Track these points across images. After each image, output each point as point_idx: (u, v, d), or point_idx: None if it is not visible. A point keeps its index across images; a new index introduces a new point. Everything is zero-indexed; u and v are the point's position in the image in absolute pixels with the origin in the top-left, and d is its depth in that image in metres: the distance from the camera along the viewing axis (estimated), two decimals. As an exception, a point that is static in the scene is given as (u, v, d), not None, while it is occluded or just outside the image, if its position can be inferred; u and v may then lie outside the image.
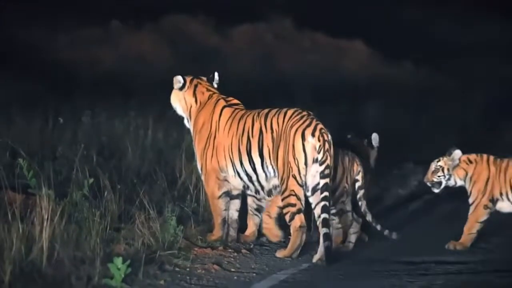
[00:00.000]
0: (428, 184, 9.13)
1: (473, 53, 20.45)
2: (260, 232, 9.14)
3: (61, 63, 17.81)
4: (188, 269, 7.76)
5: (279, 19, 22.10)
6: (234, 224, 8.96)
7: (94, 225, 7.81)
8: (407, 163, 12.68)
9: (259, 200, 9.04)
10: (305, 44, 21.95)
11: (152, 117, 12.52)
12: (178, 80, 9.06)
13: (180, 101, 9.09)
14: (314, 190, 8.28)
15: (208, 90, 9.07)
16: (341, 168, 8.76)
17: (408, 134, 15.25)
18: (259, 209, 9.09)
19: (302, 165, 8.28)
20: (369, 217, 8.87)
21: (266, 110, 8.68)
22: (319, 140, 8.28)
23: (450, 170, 9.01)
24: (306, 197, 8.32)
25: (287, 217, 8.36)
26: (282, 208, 8.45)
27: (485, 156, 9.00)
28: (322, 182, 8.23)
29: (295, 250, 8.36)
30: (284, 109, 8.56)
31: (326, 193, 8.20)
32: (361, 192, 8.84)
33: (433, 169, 9.07)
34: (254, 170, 8.65)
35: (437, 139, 14.28)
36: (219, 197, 8.87)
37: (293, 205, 8.30)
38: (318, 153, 8.27)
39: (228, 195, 8.90)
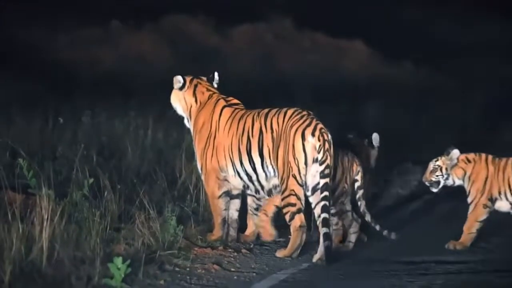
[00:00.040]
0: (427, 183, 9.14)
1: (473, 53, 20.46)
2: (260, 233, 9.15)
3: (61, 63, 17.81)
4: (188, 269, 7.76)
5: (279, 19, 22.10)
6: (234, 224, 8.96)
7: (94, 225, 7.81)
8: (407, 163, 12.68)
9: (258, 199, 9.04)
10: (305, 44, 21.95)
11: (152, 117, 12.52)
12: (178, 80, 9.06)
13: (180, 101, 9.10)
14: (314, 189, 8.29)
15: (208, 90, 9.07)
16: (340, 168, 8.77)
17: (408, 134, 15.26)
18: (259, 209, 9.09)
19: (302, 165, 8.28)
20: (368, 217, 8.87)
21: (266, 110, 8.69)
22: (319, 140, 8.28)
23: (448, 169, 9.02)
24: (306, 197, 8.33)
25: (287, 217, 8.36)
26: (282, 208, 8.45)
27: (483, 155, 9.00)
28: (322, 181, 8.23)
29: (295, 250, 8.36)
30: (284, 109, 8.56)
31: (326, 193, 8.21)
32: (360, 192, 8.84)
33: (431, 168, 9.07)
34: (254, 169, 8.65)
35: (437, 139, 14.27)
36: (219, 196, 8.87)
37: (293, 204, 8.30)
38: (318, 152, 8.27)
39: (228, 195, 8.90)
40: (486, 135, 16.00)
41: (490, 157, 8.99)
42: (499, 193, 8.89)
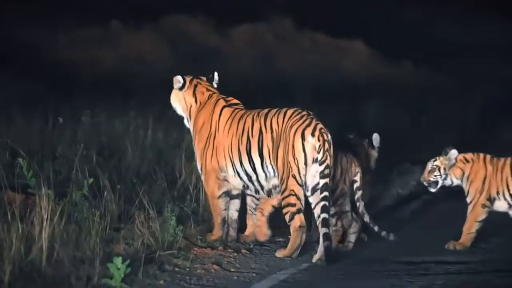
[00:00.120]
0: (425, 183, 9.14)
1: (473, 53, 20.45)
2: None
3: (61, 63, 17.81)
4: (187, 269, 7.75)
5: (279, 19, 22.09)
6: (233, 224, 8.95)
7: (94, 225, 7.80)
8: (407, 163, 12.66)
9: (258, 200, 9.04)
10: (305, 44, 21.94)
11: (152, 117, 12.51)
12: (178, 80, 9.06)
13: (180, 101, 9.09)
14: (314, 190, 8.28)
15: (208, 90, 9.07)
16: (339, 169, 8.76)
17: (408, 134, 15.25)
18: (258, 209, 9.11)
19: (302, 165, 8.28)
20: (366, 218, 8.87)
21: (266, 110, 8.68)
22: (318, 140, 8.28)
23: (446, 169, 9.02)
24: (306, 197, 8.32)
25: (287, 217, 8.36)
26: (282, 208, 8.45)
27: (481, 155, 9.00)
28: (322, 182, 8.23)
29: (295, 250, 8.36)
30: (284, 109, 8.56)
31: (325, 193, 8.20)
32: (359, 193, 8.84)
33: (429, 168, 9.08)
34: (254, 170, 8.65)
35: (437, 139, 14.26)
36: (219, 197, 8.86)
37: (293, 205, 8.30)
38: (318, 153, 8.27)
39: (228, 195, 8.89)
40: (486, 135, 15.99)
41: (488, 156, 8.99)
42: (497, 193, 8.89)
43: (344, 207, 8.85)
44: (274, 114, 8.56)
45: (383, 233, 8.94)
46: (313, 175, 8.29)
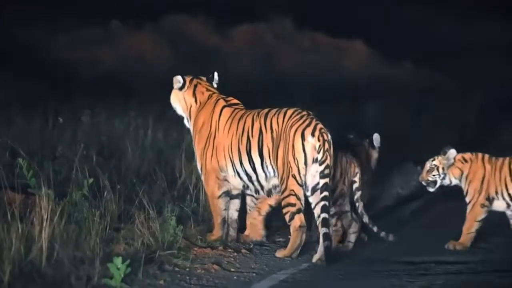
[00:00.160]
0: (423, 183, 9.14)
1: (473, 53, 20.45)
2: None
3: (61, 63, 17.80)
4: (187, 269, 7.75)
5: (279, 19, 22.09)
6: (233, 224, 8.95)
7: (94, 225, 7.80)
8: (407, 163, 12.66)
9: (257, 199, 9.03)
10: (305, 44, 21.94)
11: (152, 117, 12.51)
12: (178, 80, 9.06)
13: (180, 101, 9.09)
14: (314, 189, 8.28)
15: (207, 90, 9.07)
16: (338, 170, 8.76)
17: (408, 134, 15.24)
18: (258, 209, 9.10)
19: (302, 165, 8.28)
20: (366, 219, 8.87)
21: (266, 110, 8.68)
22: (318, 140, 8.28)
23: (445, 169, 9.02)
24: (306, 197, 8.32)
25: (287, 217, 8.36)
26: (282, 208, 8.45)
27: (480, 154, 9.01)
28: (322, 181, 8.23)
29: (295, 250, 8.36)
30: (284, 109, 8.56)
31: (325, 193, 8.20)
32: (358, 194, 8.84)
33: (428, 168, 9.08)
34: (254, 170, 8.65)
35: (437, 139, 14.26)
36: (219, 196, 8.86)
37: (293, 205, 8.30)
38: (318, 153, 8.27)
39: (228, 195, 8.89)
40: (486, 135, 15.98)
41: (486, 156, 9.00)
42: (496, 192, 8.90)
43: (344, 207, 8.85)
44: (274, 114, 8.56)
45: (382, 234, 8.94)
46: (313, 175, 8.29)
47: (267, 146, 8.54)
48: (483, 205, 8.89)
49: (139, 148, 11.59)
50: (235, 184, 8.84)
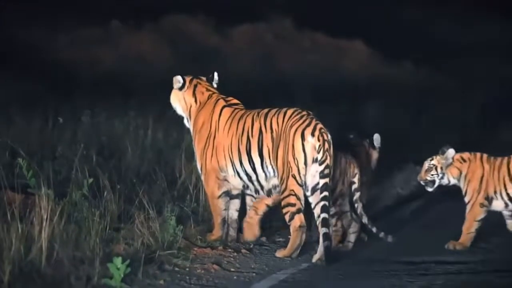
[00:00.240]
0: (422, 182, 9.14)
1: (473, 53, 20.45)
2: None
3: (61, 63, 17.80)
4: (187, 269, 7.75)
5: (279, 19, 22.09)
6: (233, 224, 8.95)
7: (94, 225, 7.80)
8: (407, 163, 12.66)
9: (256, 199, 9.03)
10: (305, 44, 21.94)
11: (152, 117, 12.51)
12: (177, 80, 9.06)
13: (180, 101, 9.09)
14: (314, 189, 8.28)
15: (207, 90, 9.07)
16: (337, 170, 8.75)
17: (408, 134, 15.24)
18: (257, 209, 9.10)
19: (301, 165, 8.28)
20: (365, 219, 8.86)
21: (265, 110, 8.68)
22: (318, 140, 8.28)
23: (443, 168, 9.02)
24: (306, 197, 8.32)
25: (286, 217, 8.36)
26: (281, 208, 8.44)
27: (478, 154, 9.01)
28: (322, 181, 8.23)
29: (294, 250, 8.36)
30: (284, 109, 8.56)
31: (325, 193, 8.20)
32: (357, 195, 8.83)
33: (426, 167, 9.08)
34: (254, 170, 8.65)
35: (437, 139, 14.25)
36: (219, 196, 8.86)
37: (293, 204, 8.30)
38: (318, 152, 8.27)
39: (228, 194, 8.89)
40: (486, 135, 15.98)
41: (485, 156, 9.00)
42: (495, 192, 8.89)
43: (344, 207, 8.85)
44: (274, 114, 8.56)
45: (381, 234, 8.93)
46: (313, 175, 8.29)
47: (267, 146, 8.54)
48: (482, 205, 8.89)
49: (139, 148, 11.59)
50: (235, 184, 8.84)
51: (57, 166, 10.18)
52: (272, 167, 8.52)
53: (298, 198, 8.29)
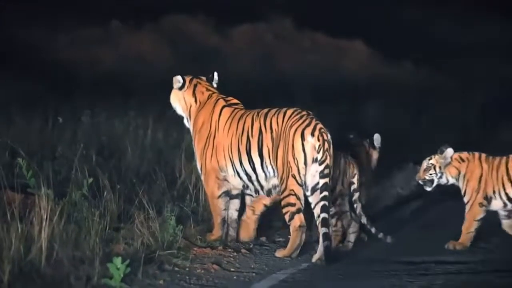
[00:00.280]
0: (420, 182, 9.14)
1: (473, 53, 20.44)
2: (259, 232, 9.12)
3: (61, 63, 17.80)
4: (187, 269, 7.75)
5: (279, 19, 22.08)
6: (233, 224, 8.95)
7: (94, 225, 7.80)
8: (407, 163, 12.66)
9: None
10: (305, 44, 21.93)
11: (152, 117, 12.51)
12: (177, 80, 9.06)
13: (180, 101, 9.09)
14: (314, 189, 8.28)
15: (207, 89, 9.07)
16: (337, 170, 8.75)
17: (408, 134, 15.24)
18: (257, 209, 9.10)
19: (301, 165, 8.28)
20: (364, 220, 8.86)
21: (265, 110, 8.68)
22: (318, 140, 8.28)
23: (442, 168, 9.02)
24: (306, 197, 8.32)
25: (286, 217, 8.36)
26: (281, 207, 8.44)
27: (476, 154, 9.01)
28: (322, 181, 8.23)
29: (294, 250, 8.36)
30: (284, 109, 8.56)
31: (325, 193, 8.20)
32: (356, 195, 8.83)
33: (425, 167, 9.08)
34: (254, 169, 8.65)
35: (437, 139, 14.25)
36: (219, 196, 8.86)
37: (293, 204, 8.29)
38: (318, 152, 8.27)
39: (228, 194, 8.89)
40: (486, 135, 15.98)
41: (483, 155, 9.00)
42: (493, 191, 8.89)
43: (343, 207, 8.85)
44: (274, 114, 8.56)
45: (380, 235, 8.93)
46: (312, 175, 8.29)
47: (267, 146, 8.53)
48: (481, 204, 8.89)
49: (139, 148, 11.59)
50: (235, 184, 8.84)
51: (57, 166, 10.17)
52: (272, 167, 8.52)
53: (298, 198, 8.29)
